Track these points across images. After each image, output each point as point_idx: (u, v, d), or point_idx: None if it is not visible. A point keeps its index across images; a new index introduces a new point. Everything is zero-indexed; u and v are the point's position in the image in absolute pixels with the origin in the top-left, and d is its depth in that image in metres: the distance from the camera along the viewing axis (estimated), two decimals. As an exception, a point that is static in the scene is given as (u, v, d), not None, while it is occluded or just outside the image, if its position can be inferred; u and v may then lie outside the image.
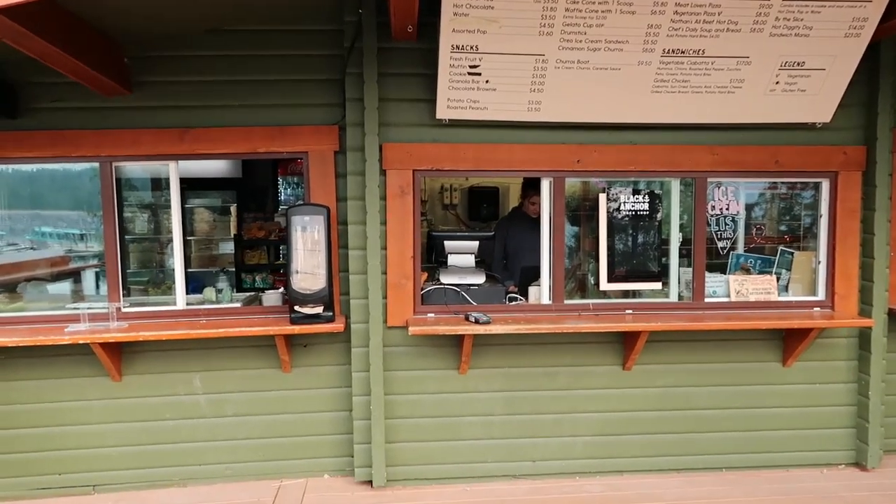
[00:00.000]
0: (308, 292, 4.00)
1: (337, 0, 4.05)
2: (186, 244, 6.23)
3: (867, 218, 4.46)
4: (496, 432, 4.43)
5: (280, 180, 7.86)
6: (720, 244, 4.60)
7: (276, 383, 4.37)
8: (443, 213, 7.72)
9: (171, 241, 4.39)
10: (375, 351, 4.21)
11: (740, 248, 4.68)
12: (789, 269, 4.66)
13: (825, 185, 4.49)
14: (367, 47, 4.01)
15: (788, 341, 4.49)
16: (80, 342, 3.93)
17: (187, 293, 4.40)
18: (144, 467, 4.33)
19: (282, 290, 4.60)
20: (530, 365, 4.40)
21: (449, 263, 4.58)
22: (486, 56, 3.79)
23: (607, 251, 4.40)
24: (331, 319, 4.09)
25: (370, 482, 4.32)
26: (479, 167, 4.24)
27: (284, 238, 4.17)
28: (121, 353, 4.24)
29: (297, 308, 4.05)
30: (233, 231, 7.54)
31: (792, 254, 4.66)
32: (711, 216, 4.53)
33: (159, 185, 4.96)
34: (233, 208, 7.57)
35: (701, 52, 3.87)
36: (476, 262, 4.66)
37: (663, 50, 3.84)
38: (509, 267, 5.20)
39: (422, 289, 4.35)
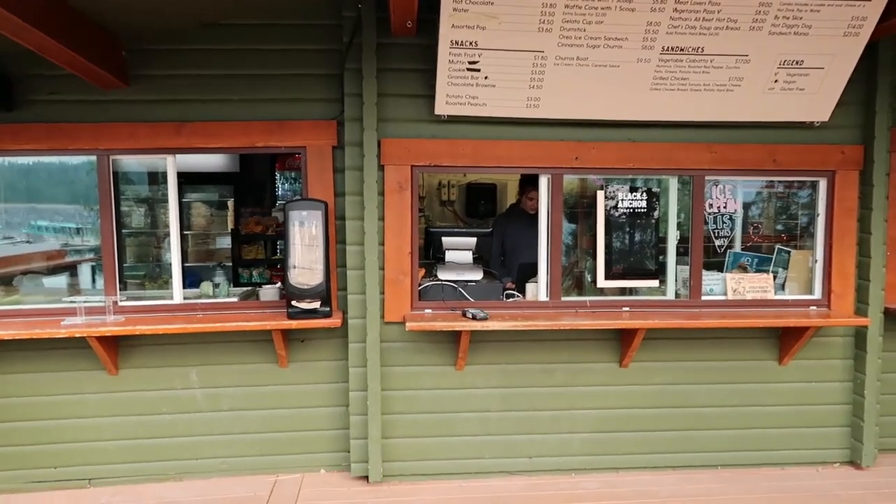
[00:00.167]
0: (305, 287, 4.00)
1: (336, -5, 4.05)
2: (183, 238, 6.21)
3: (864, 217, 4.47)
4: (493, 429, 4.44)
5: (278, 175, 7.85)
6: (717, 242, 4.61)
7: (272, 378, 4.37)
8: (440, 210, 7.72)
9: (167, 235, 4.39)
10: (372, 346, 4.21)
11: (737, 247, 4.69)
12: (786, 268, 4.67)
13: (822, 184, 4.50)
14: (366, 42, 4.01)
15: (785, 340, 4.50)
16: (77, 336, 3.92)
17: (184, 287, 4.39)
18: (140, 461, 4.33)
19: (279, 284, 4.59)
20: (527, 361, 4.41)
21: (447, 259, 4.58)
22: (485, 52, 3.79)
23: (605, 248, 4.40)
24: (328, 314, 4.09)
25: (366, 477, 4.33)
26: (477, 163, 4.24)
27: (282, 233, 4.16)
28: (117, 347, 4.24)
29: (294, 303, 4.04)
30: (230, 226, 7.52)
31: (789, 252, 4.67)
32: (709, 214, 4.53)
33: (156, 179, 4.95)
34: (230, 203, 7.54)
35: (700, 49, 3.87)
36: (474, 259, 4.66)
37: (662, 47, 3.84)
38: (507, 263, 5.20)
39: (419, 285, 4.35)
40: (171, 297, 4.33)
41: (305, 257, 4.00)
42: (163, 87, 4.14)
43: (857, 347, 4.56)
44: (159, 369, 4.30)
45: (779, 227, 4.76)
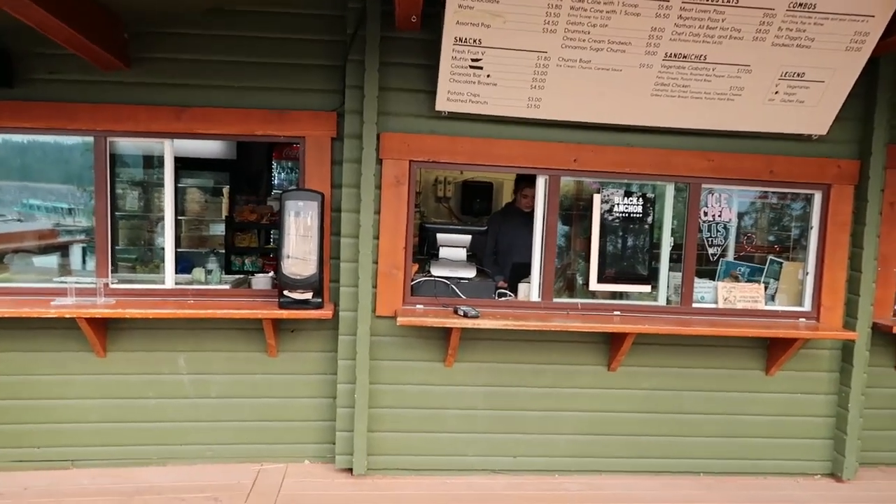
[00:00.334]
0: (298, 277, 3.99)
1: (341, -14, 4.04)
2: (177, 224, 6.20)
3: (857, 232, 4.50)
4: (479, 426, 4.44)
5: (274, 164, 7.83)
6: (711, 250, 4.63)
7: (261, 367, 4.36)
8: (435, 206, 7.71)
9: (161, 219, 4.37)
10: (362, 339, 4.21)
11: (730, 256, 4.71)
12: (777, 279, 4.69)
13: (818, 197, 4.52)
14: (369, 35, 4.00)
15: (773, 350, 4.52)
16: (66, 316, 3.91)
17: (176, 273, 4.37)
18: (124, 444, 4.32)
19: (272, 274, 4.58)
20: (516, 361, 4.41)
21: (440, 256, 4.58)
22: (488, 50, 3.79)
23: (598, 252, 4.42)
24: (319, 306, 4.09)
25: (350, 470, 4.33)
26: (475, 161, 4.25)
27: (276, 222, 4.16)
28: (106, 330, 4.22)
29: (286, 293, 4.04)
30: (224, 213, 7.49)
31: (780, 264, 4.70)
32: (703, 222, 4.55)
33: (151, 162, 4.92)
34: (225, 190, 7.52)
35: (702, 57, 3.88)
36: (467, 256, 4.66)
37: (665, 53, 3.85)
38: (500, 262, 5.21)
39: (412, 280, 4.35)
40: (163, 282, 4.32)
41: (300, 248, 3.99)
42: (164, 70, 4.12)
43: (844, 361, 4.60)
44: (148, 353, 4.28)
45: (771, 238, 4.79)
